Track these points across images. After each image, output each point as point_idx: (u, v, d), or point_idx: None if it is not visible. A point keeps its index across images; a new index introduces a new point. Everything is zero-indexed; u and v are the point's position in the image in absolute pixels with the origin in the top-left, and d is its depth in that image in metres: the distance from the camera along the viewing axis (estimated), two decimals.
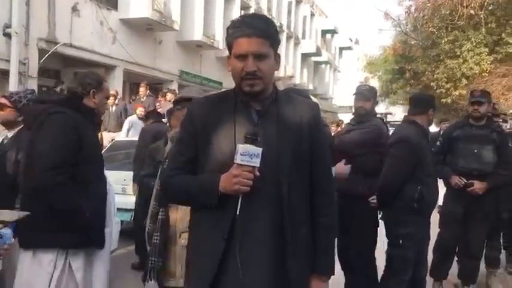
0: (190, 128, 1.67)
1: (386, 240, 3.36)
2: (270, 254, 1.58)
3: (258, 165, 1.50)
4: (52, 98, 2.71)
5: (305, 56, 30.15)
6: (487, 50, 15.34)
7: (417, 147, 3.19)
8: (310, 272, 1.68)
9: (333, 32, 36.03)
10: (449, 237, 4.02)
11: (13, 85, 9.33)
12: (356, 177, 3.39)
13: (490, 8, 14.70)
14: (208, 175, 1.61)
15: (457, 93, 16.11)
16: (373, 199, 3.34)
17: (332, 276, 1.77)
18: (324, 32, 35.08)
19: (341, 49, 41.80)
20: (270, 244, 1.57)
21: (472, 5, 13.39)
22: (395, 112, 44.73)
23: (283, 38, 25.34)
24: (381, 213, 3.46)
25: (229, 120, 1.62)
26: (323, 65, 36.33)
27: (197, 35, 15.80)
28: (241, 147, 1.50)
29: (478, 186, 3.76)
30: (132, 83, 14.86)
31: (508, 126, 11.36)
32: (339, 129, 8.81)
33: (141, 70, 13.80)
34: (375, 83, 30.51)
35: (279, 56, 1.67)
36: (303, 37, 29.81)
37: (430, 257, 3.99)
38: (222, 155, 1.59)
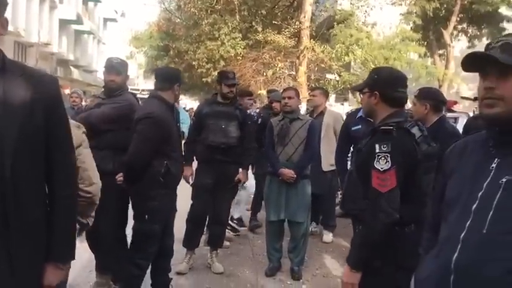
0: None
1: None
2: None
3: None
4: None
5: (64, 23, 27.45)
6: (240, 35, 16.92)
7: (163, 122, 3.18)
8: (43, 260, 1.54)
9: (96, 0, 33.90)
10: (200, 207, 4.24)
11: None
12: (106, 153, 3.22)
13: None
14: None
15: (216, 73, 17.31)
16: (119, 176, 3.24)
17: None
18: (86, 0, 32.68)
19: (105, 20, 39.84)
20: None
21: None
22: None
23: None
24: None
25: None
26: (85, 35, 33.92)
27: None
28: None
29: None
30: None
31: (258, 105, 12.92)
32: None
33: None
34: (140, 58, 30.29)
35: (6, 20, 1.42)
36: (61, 1, 27.02)
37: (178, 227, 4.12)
38: None
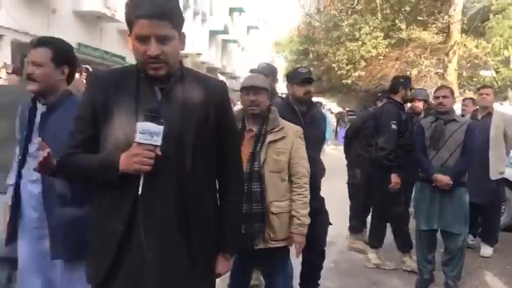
0: (90, 103, 1.56)
1: None
2: (173, 233, 1.53)
3: (159, 144, 1.44)
4: None
5: (213, 34, 29.76)
6: (382, 34, 16.33)
7: None
8: (215, 251, 1.68)
9: (240, 10, 36.00)
10: None
11: None
12: None
13: None
14: (107, 154, 1.52)
15: (356, 74, 17.00)
16: None
17: None
18: (232, 10, 34.91)
19: (249, 28, 42.02)
20: (173, 223, 1.53)
21: None
22: None
23: (189, 13, 24.72)
24: None
25: (131, 97, 1.52)
26: (231, 44, 36.24)
27: (96, 5, 14.76)
28: (141, 125, 1.43)
29: None
30: (23, 54, 13.49)
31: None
32: None
33: None
34: (281, 63, 31.31)
35: (183, 34, 1.57)
36: (211, 14, 29.35)
37: None
38: (123, 133, 1.50)
